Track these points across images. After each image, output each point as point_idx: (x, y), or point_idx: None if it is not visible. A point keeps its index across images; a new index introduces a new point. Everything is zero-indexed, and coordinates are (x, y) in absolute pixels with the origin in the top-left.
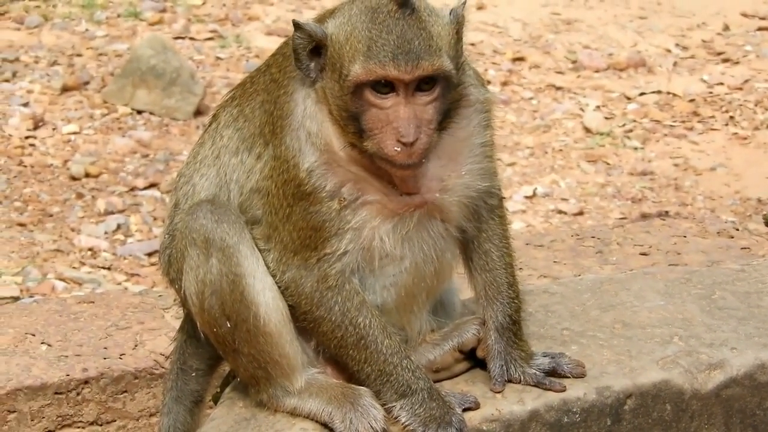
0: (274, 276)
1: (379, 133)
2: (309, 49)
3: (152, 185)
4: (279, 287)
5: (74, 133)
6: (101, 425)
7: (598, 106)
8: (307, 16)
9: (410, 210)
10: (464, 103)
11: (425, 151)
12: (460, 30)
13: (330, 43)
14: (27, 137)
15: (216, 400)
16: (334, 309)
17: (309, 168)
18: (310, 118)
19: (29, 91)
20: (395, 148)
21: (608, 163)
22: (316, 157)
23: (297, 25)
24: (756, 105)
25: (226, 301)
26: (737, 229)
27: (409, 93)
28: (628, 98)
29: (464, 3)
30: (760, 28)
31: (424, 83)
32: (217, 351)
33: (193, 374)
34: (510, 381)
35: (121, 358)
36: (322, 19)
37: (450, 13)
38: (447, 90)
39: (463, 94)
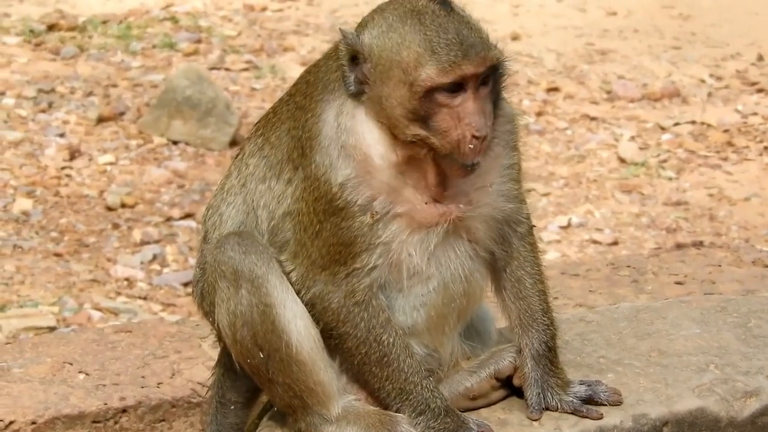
0: (298, 293)
1: (453, 131)
2: (348, 58)
3: (188, 215)
4: (304, 304)
5: (110, 163)
6: None
7: (632, 137)
8: None
9: (435, 222)
10: (500, 110)
11: (488, 144)
12: None
13: (370, 54)
14: (63, 168)
15: None
16: (360, 325)
17: (342, 182)
18: (346, 132)
19: (65, 122)
20: (470, 145)
21: (643, 194)
22: (350, 170)
23: (342, 33)
24: None
25: (257, 332)
26: None
27: (476, 87)
28: (663, 128)
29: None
30: None
31: (485, 76)
32: (254, 383)
33: (232, 407)
34: (547, 408)
35: (158, 387)
36: (359, 28)
37: None
38: (497, 81)
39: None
